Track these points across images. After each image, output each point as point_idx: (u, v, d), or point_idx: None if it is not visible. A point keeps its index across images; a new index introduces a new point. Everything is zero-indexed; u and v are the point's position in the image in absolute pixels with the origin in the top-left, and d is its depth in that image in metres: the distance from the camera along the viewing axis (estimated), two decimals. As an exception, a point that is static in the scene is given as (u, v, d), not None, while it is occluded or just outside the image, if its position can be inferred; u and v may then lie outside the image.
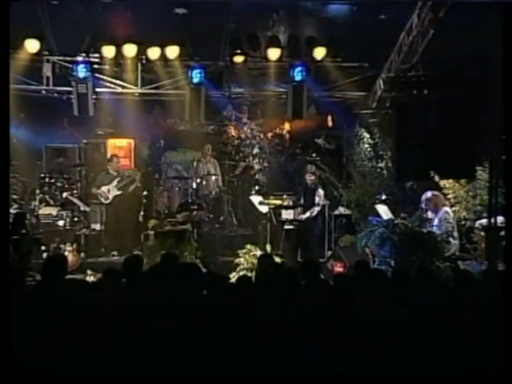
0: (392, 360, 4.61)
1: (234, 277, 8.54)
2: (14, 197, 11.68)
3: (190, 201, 12.58)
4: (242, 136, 14.57)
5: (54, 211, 11.89)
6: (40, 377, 4.42)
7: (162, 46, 11.77)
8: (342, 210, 12.64)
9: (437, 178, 10.60)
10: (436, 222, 9.97)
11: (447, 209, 10.10)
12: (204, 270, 7.76)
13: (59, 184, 12.56)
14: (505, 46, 6.88)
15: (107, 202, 12.29)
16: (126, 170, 13.19)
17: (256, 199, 12.29)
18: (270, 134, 14.67)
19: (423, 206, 10.11)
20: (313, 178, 11.89)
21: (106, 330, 4.75)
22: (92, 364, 4.48)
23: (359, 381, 4.56)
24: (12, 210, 10.60)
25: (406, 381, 4.54)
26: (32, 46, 11.39)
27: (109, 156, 13.16)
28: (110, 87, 12.53)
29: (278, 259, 9.28)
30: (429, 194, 10.16)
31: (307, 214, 11.66)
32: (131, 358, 4.52)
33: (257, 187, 13.25)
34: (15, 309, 4.75)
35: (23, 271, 6.28)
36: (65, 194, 12.37)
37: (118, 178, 12.36)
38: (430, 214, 10.30)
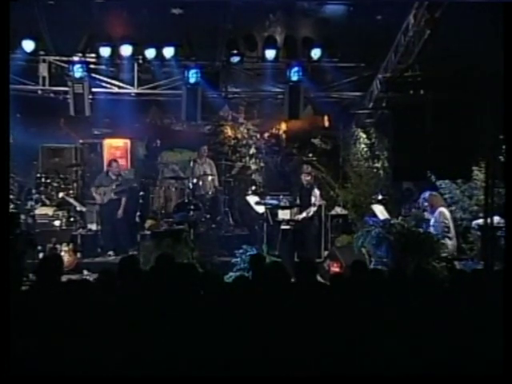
0: (390, 360, 4.61)
1: (230, 277, 8.53)
2: (10, 197, 11.63)
3: (186, 201, 12.55)
4: (239, 136, 14.56)
5: (50, 211, 11.86)
6: (37, 377, 4.41)
7: (159, 46, 11.76)
8: (338, 210, 12.65)
9: (433, 178, 10.62)
10: (432, 221, 10.06)
11: (443, 209, 10.14)
12: (200, 270, 7.75)
13: (55, 184, 12.56)
14: (505, 46, 6.85)
15: (101, 202, 12.29)
16: (123, 170, 13.19)
17: (252, 199, 12.28)
18: (266, 134, 14.68)
19: (421, 205, 10.22)
20: (309, 178, 11.86)
21: (103, 330, 4.75)
22: (88, 364, 4.48)
23: (356, 380, 4.56)
24: (8, 210, 10.59)
25: (404, 381, 4.53)
26: (28, 45, 11.37)
27: (107, 161, 13.16)
28: (106, 87, 12.50)
29: (274, 259, 9.30)
30: (426, 193, 10.29)
31: (303, 215, 11.64)
32: (128, 358, 4.51)
33: (253, 187, 13.27)
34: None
35: (18, 271, 6.25)
36: (61, 194, 12.35)
37: (117, 183, 12.31)
38: (426, 215, 10.34)
